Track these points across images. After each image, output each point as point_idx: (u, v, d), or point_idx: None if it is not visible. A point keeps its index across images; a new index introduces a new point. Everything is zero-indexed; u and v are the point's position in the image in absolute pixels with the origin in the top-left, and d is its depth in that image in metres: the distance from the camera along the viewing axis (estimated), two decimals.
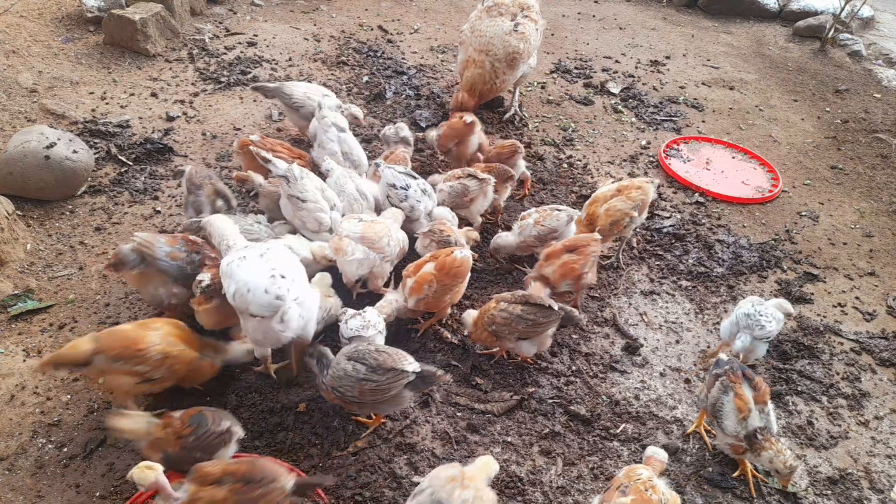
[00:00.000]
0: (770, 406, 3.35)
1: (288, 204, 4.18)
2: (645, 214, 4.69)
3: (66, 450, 3.32)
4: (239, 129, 5.72)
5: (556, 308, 3.71)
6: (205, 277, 3.52)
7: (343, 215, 4.25)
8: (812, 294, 4.80)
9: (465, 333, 3.98)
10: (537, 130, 6.29)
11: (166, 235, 3.80)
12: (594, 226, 4.49)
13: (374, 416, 3.55)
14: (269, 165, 4.14)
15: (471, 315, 3.89)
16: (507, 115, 6.36)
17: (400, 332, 4.08)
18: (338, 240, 3.88)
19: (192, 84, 6.25)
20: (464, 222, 4.71)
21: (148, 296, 3.82)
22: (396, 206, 4.38)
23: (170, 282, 3.67)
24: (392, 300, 3.86)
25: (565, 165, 5.82)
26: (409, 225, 4.40)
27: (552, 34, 8.12)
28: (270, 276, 3.20)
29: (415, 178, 4.45)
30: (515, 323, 3.68)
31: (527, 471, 3.43)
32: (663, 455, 3.15)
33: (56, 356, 3.16)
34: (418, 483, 3.29)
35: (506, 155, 5.05)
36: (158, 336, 3.26)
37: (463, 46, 6.04)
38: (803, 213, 5.66)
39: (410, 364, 3.23)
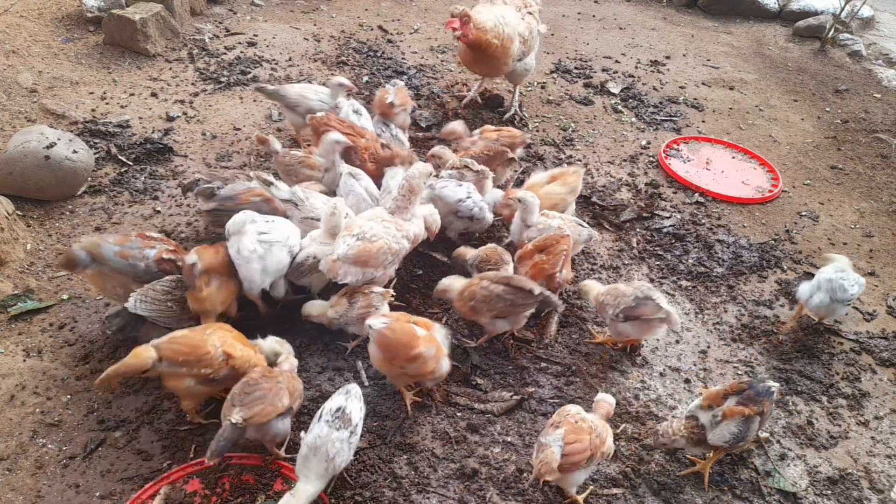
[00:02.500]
0: (734, 422, 3.28)
1: (301, 226, 4.09)
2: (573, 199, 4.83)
3: (66, 450, 3.32)
4: (239, 129, 5.72)
5: (536, 292, 3.78)
6: (194, 258, 3.51)
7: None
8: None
9: (449, 297, 4.02)
10: (537, 130, 6.28)
11: (117, 234, 3.78)
12: None
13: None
14: (272, 189, 4.03)
15: (456, 285, 3.96)
16: (507, 115, 6.36)
17: None
18: (332, 262, 3.75)
19: (192, 84, 6.25)
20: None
21: (107, 295, 3.79)
22: (467, 217, 4.48)
23: (128, 280, 3.63)
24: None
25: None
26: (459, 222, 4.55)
27: (552, 34, 8.12)
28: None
29: (460, 184, 4.54)
30: (494, 302, 3.78)
31: (527, 471, 3.43)
32: (611, 399, 3.40)
33: (118, 369, 3.10)
34: (418, 483, 3.30)
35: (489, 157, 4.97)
36: (218, 338, 3.29)
37: None
38: (803, 213, 5.66)
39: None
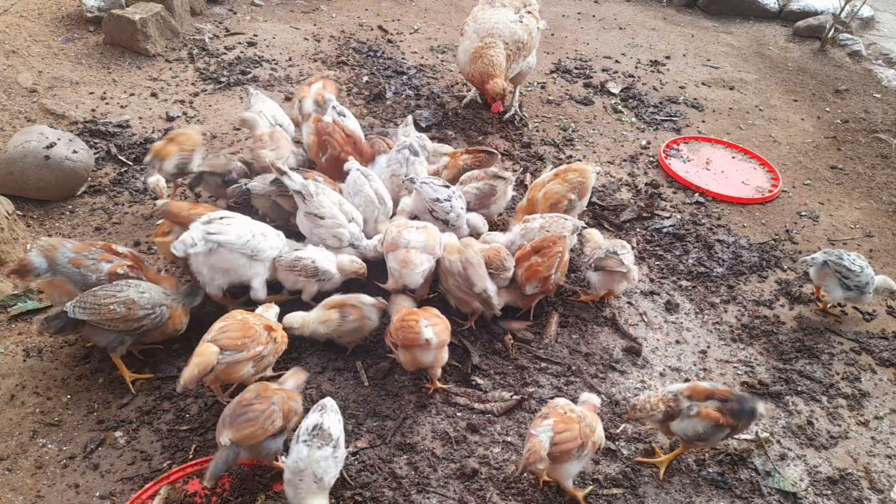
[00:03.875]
0: (703, 423, 3.27)
1: (305, 220, 4.12)
2: (587, 198, 4.81)
3: (66, 450, 3.32)
4: (239, 129, 5.72)
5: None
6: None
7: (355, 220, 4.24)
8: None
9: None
10: (537, 130, 6.28)
11: (78, 242, 3.74)
12: (534, 210, 4.58)
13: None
14: (284, 178, 4.05)
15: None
16: (507, 115, 6.36)
17: None
18: (405, 252, 3.84)
19: (192, 84, 6.25)
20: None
21: (54, 304, 3.75)
22: (442, 220, 4.35)
23: (75, 290, 3.59)
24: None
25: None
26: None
27: (552, 34, 8.12)
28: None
29: (448, 187, 4.44)
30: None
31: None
32: (596, 399, 3.42)
33: (193, 372, 3.11)
34: (418, 483, 3.30)
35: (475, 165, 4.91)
36: (251, 316, 3.43)
37: (465, 38, 5.94)
38: (803, 213, 5.66)
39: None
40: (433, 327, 3.51)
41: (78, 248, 3.67)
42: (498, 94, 5.63)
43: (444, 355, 3.65)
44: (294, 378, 3.38)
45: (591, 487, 3.37)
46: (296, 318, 3.78)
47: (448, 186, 4.44)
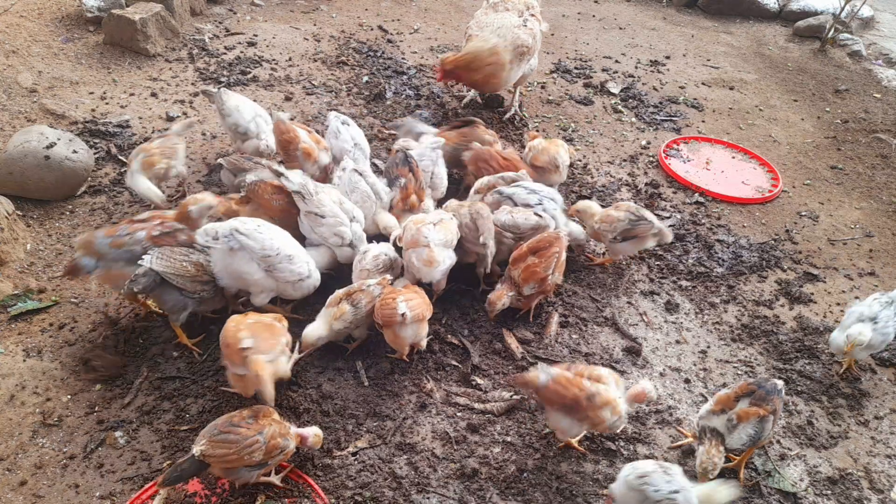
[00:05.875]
0: (750, 424, 3.30)
1: (305, 220, 4.08)
2: None
3: (66, 450, 3.32)
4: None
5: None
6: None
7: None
8: (812, 294, 4.80)
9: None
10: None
11: (104, 227, 3.84)
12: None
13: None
14: (282, 180, 4.03)
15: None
16: (508, 115, 6.36)
17: None
18: (429, 251, 3.87)
19: (192, 84, 6.25)
20: None
21: (121, 290, 3.81)
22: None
23: (129, 271, 3.65)
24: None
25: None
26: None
27: (552, 34, 8.12)
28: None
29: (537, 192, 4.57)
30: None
31: (527, 471, 3.43)
32: (650, 387, 3.42)
33: (269, 387, 3.17)
34: (418, 483, 3.30)
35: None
36: (265, 316, 3.48)
37: (467, 40, 5.98)
38: (803, 213, 5.66)
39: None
40: (408, 302, 3.59)
41: (109, 233, 3.74)
42: (445, 63, 5.64)
43: (424, 330, 3.77)
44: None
45: (583, 432, 3.48)
46: (317, 328, 3.69)
47: (537, 192, 4.55)
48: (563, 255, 4.19)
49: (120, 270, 3.69)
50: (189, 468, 2.92)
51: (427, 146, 4.80)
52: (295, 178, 4.04)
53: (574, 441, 3.51)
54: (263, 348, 3.25)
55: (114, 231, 3.74)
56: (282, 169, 4.05)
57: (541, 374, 3.26)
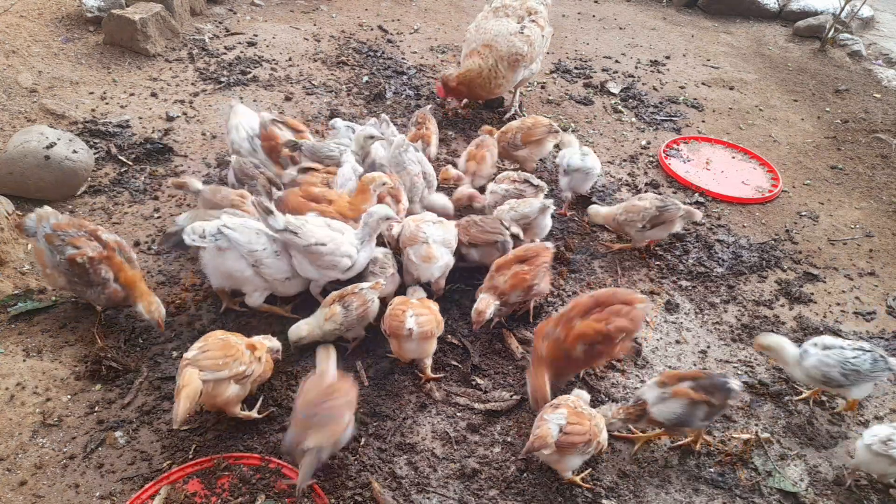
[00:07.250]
0: (678, 403, 3.33)
1: (304, 259, 3.77)
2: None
3: (66, 450, 3.32)
4: None
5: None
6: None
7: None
8: (812, 294, 4.80)
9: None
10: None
11: (69, 218, 3.86)
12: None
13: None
14: (269, 219, 3.66)
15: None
16: (508, 116, 6.37)
17: None
18: (427, 247, 3.87)
19: (192, 84, 6.25)
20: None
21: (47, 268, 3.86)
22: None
23: (48, 263, 3.74)
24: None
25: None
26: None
27: (552, 34, 8.11)
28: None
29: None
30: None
31: (528, 471, 3.43)
32: (586, 395, 3.49)
33: (186, 405, 3.02)
34: (418, 483, 3.30)
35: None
36: (233, 336, 3.41)
37: (466, 44, 6.04)
38: (803, 213, 5.66)
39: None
40: (417, 317, 3.56)
41: (59, 226, 3.71)
42: (442, 80, 5.95)
43: (431, 347, 3.70)
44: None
45: (588, 470, 3.41)
46: (301, 327, 3.72)
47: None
48: (548, 266, 4.17)
49: (40, 253, 3.77)
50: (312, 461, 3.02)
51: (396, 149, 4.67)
52: (280, 218, 3.69)
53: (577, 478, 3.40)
54: (206, 364, 3.14)
55: (64, 227, 3.71)
56: (272, 207, 3.74)
57: (553, 428, 3.13)
